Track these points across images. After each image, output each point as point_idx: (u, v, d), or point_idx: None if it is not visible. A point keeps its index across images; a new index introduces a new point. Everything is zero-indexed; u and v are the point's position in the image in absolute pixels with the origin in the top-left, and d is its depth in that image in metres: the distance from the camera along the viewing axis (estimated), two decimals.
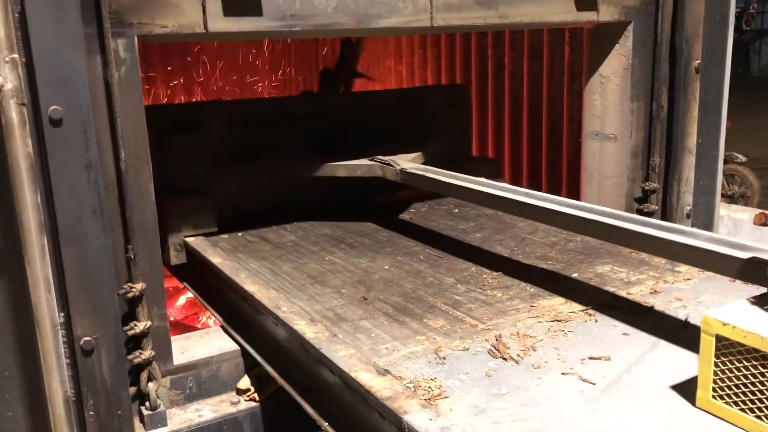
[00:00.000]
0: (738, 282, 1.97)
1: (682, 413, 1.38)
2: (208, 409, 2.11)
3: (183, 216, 2.71)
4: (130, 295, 1.90)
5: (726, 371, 1.33)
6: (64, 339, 1.77)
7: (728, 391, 1.33)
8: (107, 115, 1.85)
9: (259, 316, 2.11)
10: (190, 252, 2.65)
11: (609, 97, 2.97)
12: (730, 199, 7.07)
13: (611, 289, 2.07)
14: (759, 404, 1.28)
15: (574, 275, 2.22)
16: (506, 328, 1.81)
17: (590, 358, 1.62)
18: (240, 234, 2.83)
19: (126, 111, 1.88)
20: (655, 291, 2.04)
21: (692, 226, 2.96)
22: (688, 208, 2.97)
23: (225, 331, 2.31)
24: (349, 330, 1.85)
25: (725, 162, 7.36)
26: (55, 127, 1.68)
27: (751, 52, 24.79)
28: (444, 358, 1.66)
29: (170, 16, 1.94)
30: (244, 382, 2.17)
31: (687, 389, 1.43)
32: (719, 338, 1.33)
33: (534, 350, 1.68)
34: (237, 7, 2.02)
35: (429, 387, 1.50)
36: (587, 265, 2.31)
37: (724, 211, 5.52)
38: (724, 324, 1.32)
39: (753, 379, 1.29)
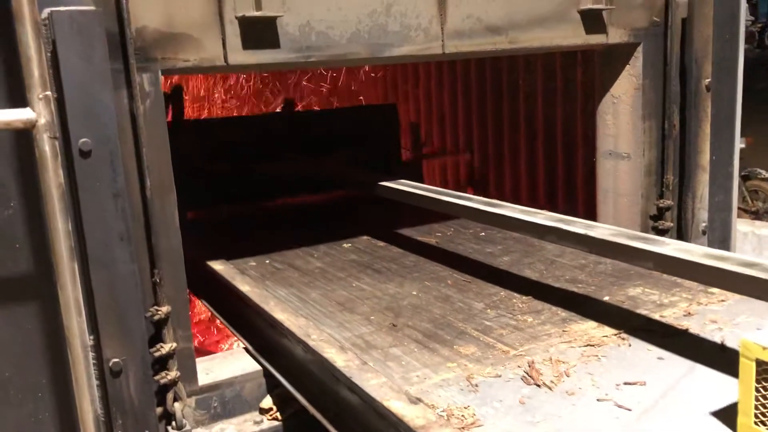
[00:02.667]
0: None
1: None
2: (232, 429, 2.17)
3: None
4: (156, 317, 1.98)
5: None
6: (94, 361, 1.84)
7: None
8: (133, 146, 1.94)
9: (287, 342, 2.15)
10: (217, 279, 2.72)
11: (621, 116, 3.01)
12: (755, 215, 7.01)
13: (644, 312, 2.07)
14: None
15: (606, 298, 2.22)
16: (538, 353, 1.82)
17: (625, 384, 1.63)
18: (267, 261, 2.91)
19: (151, 141, 1.97)
20: (689, 313, 2.03)
21: (708, 242, 2.98)
22: (704, 224, 2.99)
23: (248, 352, 2.37)
24: (380, 357, 1.88)
25: (749, 178, 7.35)
26: (85, 158, 1.77)
27: None
28: (476, 386, 1.67)
29: (192, 50, 2.03)
30: (267, 402, 2.22)
31: (727, 415, 1.42)
32: (759, 363, 1.31)
33: (567, 376, 1.69)
34: (255, 41, 2.11)
35: (462, 415, 1.52)
36: (618, 287, 2.31)
37: (748, 227, 5.50)
38: (764, 348, 1.30)
39: None
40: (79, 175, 1.77)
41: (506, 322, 2.07)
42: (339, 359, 1.82)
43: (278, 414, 2.21)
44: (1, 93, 1.67)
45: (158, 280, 1.98)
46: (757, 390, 1.32)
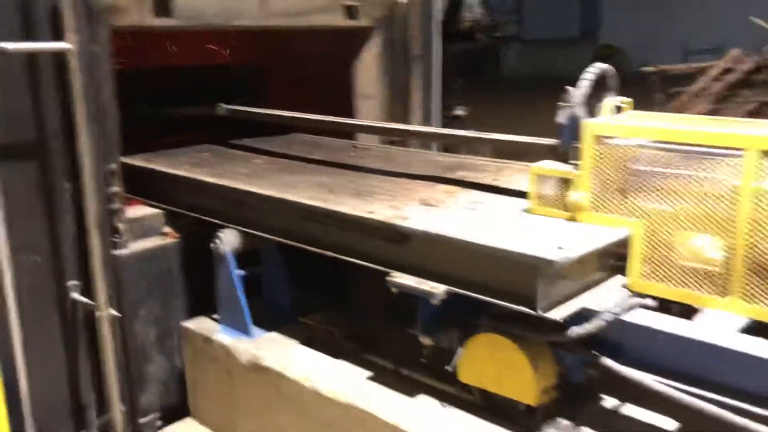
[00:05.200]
0: None
1: (524, 214, 2.72)
2: (149, 242, 3.63)
3: None
4: (110, 169, 3.40)
5: (543, 192, 2.67)
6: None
7: (546, 201, 2.67)
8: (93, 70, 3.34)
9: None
10: (169, 178, 3.74)
11: (369, 73, 4.84)
12: None
13: (471, 180, 3.35)
14: (563, 202, 2.61)
15: (448, 175, 3.48)
16: (424, 196, 3.03)
17: (472, 202, 2.92)
18: (205, 169, 3.79)
19: (102, 68, 3.37)
20: (496, 179, 3.36)
21: None
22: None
23: (152, 206, 3.81)
24: (334, 203, 2.92)
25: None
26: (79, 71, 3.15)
27: (500, 56, 28.92)
28: (398, 207, 2.83)
29: (125, 16, 3.45)
30: (167, 229, 3.72)
31: (525, 209, 2.74)
32: (539, 174, 2.67)
33: (443, 202, 2.93)
34: (160, 12, 3.58)
35: (399, 215, 2.70)
36: (452, 173, 3.54)
37: None
38: (540, 167, 2.68)
39: (557, 192, 2.62)
40: (83, 79, 3.13)
41: (398, 187, 3.24)
42: (310, 202, 2.96)
43: (176, 234, 3.71)
44: (47, 32, 3.04)
45: (109, 150, 3.40)
46: (537, 191, 2.68)
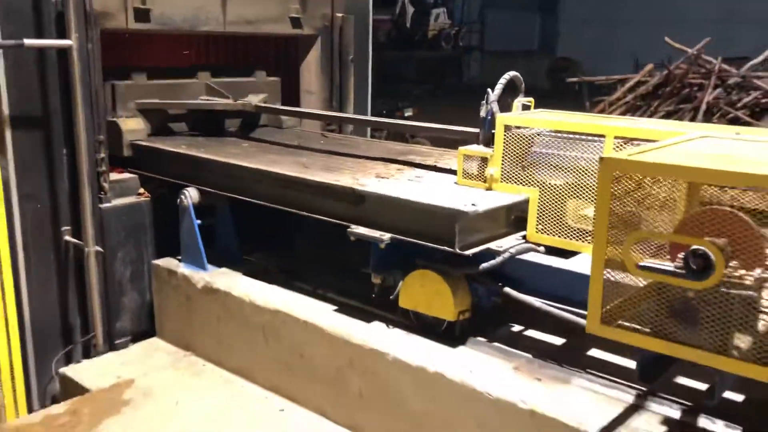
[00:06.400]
0: None
1: (453, 185, 3.44)
2: (126, 199, 4.58)
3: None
4: (98, 141, 4.35)
5: (466, 169, 3.41)
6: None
7: (469, 175, 3.38)
8: (88, 62, 4.29)
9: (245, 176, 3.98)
10: (172, 156, 4.48)
11: (311, 72, 5.86)
12: None
13: (417, 162, 4.11)
14: (482, 176, 3.33)
15: (400, 158, 4.22)
16: (378, 171, 3.78)
17: (416, 176, 3.67)
18: (202, 149, 4.45)
19: (95, 60, 4.32)
20: (437, 162, 4.08)
21: None
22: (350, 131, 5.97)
23: (131, 173, 4.76)
24: (309, 175, 3.65)
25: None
26: (78, 62, 4.11)
27: (462, 65, 30.10)
28: (357, 179, 3.53)
29: (112, 20, 4.42)
30: (141, 189, 4.67)
31: (455, 181, 3.46)
32: (464, 154, 3.40)
33: (393, 176, 3.68)
34: (140, 18, 4.55)
35: (359, 182, 3.42)
36: (403, 157, 4.27)
37: None
38: (465, 149, 3.41)
39: (478, 168, 3.37)
40: (77, 69, 4.09)
41: (359, 165, 3.96)
42: (289, 172, 3.73)
43: (148, 195, 4.67)
44: (53, 31, 3.99)
45: (98, 125, 4.35)
46: (463, 168, 3.44)
